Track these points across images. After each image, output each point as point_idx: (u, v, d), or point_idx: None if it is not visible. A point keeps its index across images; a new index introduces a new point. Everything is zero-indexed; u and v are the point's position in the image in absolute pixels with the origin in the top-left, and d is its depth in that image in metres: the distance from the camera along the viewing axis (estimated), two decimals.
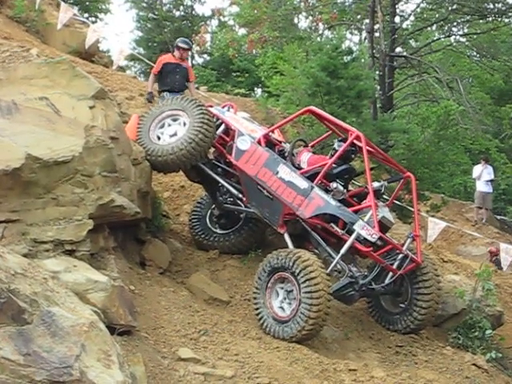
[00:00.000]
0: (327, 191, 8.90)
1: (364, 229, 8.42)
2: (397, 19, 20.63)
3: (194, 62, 33.08)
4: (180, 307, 8.23)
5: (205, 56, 34.92)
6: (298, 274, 8.19)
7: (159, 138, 9.59)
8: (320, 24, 26.26)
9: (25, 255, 6.62)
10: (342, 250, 8.48)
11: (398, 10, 20.84)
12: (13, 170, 6.84)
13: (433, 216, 15.53)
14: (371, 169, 9.68)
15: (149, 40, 34.10)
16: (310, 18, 27.19)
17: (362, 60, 20.01)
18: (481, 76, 24.06)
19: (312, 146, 10.20)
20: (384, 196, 9.75)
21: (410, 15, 22.34)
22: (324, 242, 8.82)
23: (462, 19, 22.13)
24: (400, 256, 8.93)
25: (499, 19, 21.53)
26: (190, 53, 14.50)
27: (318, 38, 24.33)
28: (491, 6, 21.31)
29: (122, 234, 8.80)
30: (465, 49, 23.24)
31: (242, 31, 29.25)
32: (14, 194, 6.94)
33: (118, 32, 61.91)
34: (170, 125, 9.66)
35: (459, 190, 22.57)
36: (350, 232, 8.53)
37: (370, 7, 19.29)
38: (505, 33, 23.39)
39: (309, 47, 20.32)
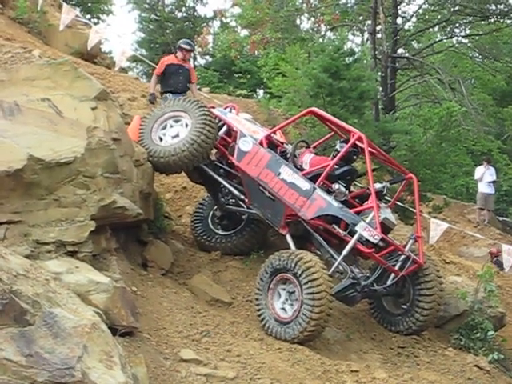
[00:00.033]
0: (329, 192, 8.90)
1: (366, 230, 8.42)
2: (399, 20, 20.63)
3: (196, 63, 33.14)
4: (182, 308, 8.23)
5: (207, 57, 35.00)
6: (300, 275, 8.19)
7: (161, 140, 9.59)
8: (322, 25, 26.22)
9: (27, 256, 6.62)
10: (344, 251, 8.48)
11: (400, 12, 20.81)
12: (15, 171, 6.84)
13: (435, 217, 15.49)
14: (373, 170, 9.69)
15: (151, 41, 34.12)
16: (312, 19, 27.16)
17: (364, 61, 20.04)
18: (483, 77, 24.03)
19: (314, 148, 10.19)
20: (386, 197, 9.75)
21: (412, 16, 22.32)
22: (326, 243, 8.82)
23: (464, 20, 22.10)
24: (402, 257, 8.94)
25: (501, 20, 21.50)
26: (192, 54, 14.48)
27: (320, 40, 24.33)
28: (493, 7, 21.27)
29: (124, 236, 8.80)
30: (467, 50, 23.21)
31: (244, 32, 29.23)
32: (15, 195, 6.94)
33: (120, 33, 61.92)
34: (172, 126, 9.66)
35: (461, 191, 22.58)
36: (351, 233, 8.53)
37: (372, 8, 19.28)
38: (507, 34, 23.38)
39: (311, 48, 20.32)
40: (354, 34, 29.03)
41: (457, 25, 22.71)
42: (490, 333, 9.56)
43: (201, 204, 10.53)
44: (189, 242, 10.38)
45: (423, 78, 21.32)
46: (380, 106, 18.65)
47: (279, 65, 20.12)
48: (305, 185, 8.81)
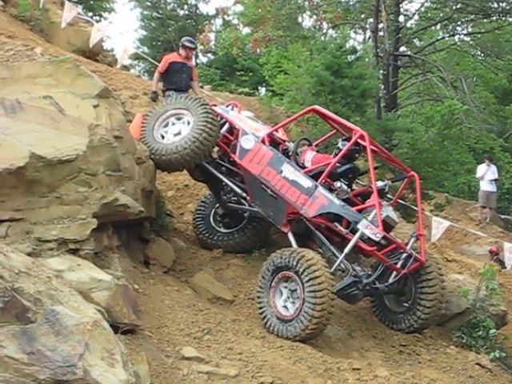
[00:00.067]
0: (331, 190, 8.89)
1: (368, 228, 8.42)
2: (401, 18, 20.57)
3: (198, 60, 33.14)
4: (184, 306, 8.23)
5: (209, 55, 35.03)
6: (301, 273, 8.19)
7: (163, 137, 9.59)
8: (324, 23, 26.25)
9: (29, 254, 6.62)
10: (346, 249, 8.48)
11: (402, 9, 20.77)
12: (17, 168, 6.83)
13: (437, 215, 15.51)
14: (375, 168, 9.69)
15: (153, 39, 34.14)
16: (314, 17, 27.16)
17: (366, 59, 20.06)
18: (485, 75, 24.01)
19: (316, 145, 10.19)
20: (388, 195, 9.73)
21: (414, 14, 22.28)
22: (328, 241, 8.82)
23: (466, 18, 22.07)
24: (404, 255, 8.94)
25: (503, 18, 21.47)
26: (194, 52, 14.49)
27: (322, 37, 24.36)
28: (495, 5, 21.24)
29: (126, 233, 8.80)
30: (469, 48, 23.19)
31: (246, 30, 29.26)
32: (17, 193, 6.93)
33: (122, 31, 62.15)
34: (174, 124, 9.66)
35: (463, 189, 22.55)
36: (353, 231, 8.53)
37: (374, 6, 19.27)
38: (509, 32, 23.36)
39: (313, 46, 20.34)
40: (355, 32, 29.10)
41: (459, 23, 22.69)
42: (491, 331, 9.55)
43: (203, 202, 10.53)
44: (191, 239, 10.38)
45: (425, 76, 21.28)
46: (382, 104, 18.63)
47: (281, 63, 20.12)
48: (307, 183, 8.81)
